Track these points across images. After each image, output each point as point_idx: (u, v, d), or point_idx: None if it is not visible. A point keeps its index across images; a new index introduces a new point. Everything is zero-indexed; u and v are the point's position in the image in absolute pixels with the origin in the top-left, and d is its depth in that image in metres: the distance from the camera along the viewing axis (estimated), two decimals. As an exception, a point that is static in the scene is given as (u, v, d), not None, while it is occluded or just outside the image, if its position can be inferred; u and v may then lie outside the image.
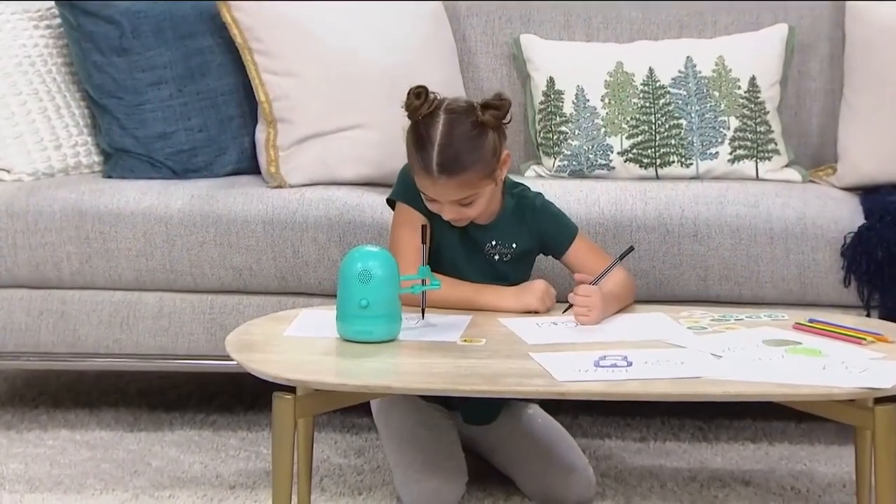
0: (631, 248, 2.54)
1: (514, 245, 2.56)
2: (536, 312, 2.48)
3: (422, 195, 2.48)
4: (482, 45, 3.38)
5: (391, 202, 2.60)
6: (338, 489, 2.64)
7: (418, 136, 2.42)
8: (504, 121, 2.45)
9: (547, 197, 2.65)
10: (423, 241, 2.39)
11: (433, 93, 2.43)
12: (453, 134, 2.39)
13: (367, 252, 2.30)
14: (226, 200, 2.93)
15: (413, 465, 2.48)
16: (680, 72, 3.19)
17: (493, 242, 2.56)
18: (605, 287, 2.46)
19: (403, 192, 2.56)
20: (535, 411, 2.67)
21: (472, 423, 2.64)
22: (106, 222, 2.91)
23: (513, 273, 2.58)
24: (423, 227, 2.42)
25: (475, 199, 2.45)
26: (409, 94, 2.42)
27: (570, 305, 2.43)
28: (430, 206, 2.48)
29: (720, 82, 3.18)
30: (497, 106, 2.43)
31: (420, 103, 2.41)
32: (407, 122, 2.44)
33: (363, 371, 2.18)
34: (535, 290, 2.50)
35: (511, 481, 2.62)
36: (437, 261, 2.53)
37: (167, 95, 3.15)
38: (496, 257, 2.56)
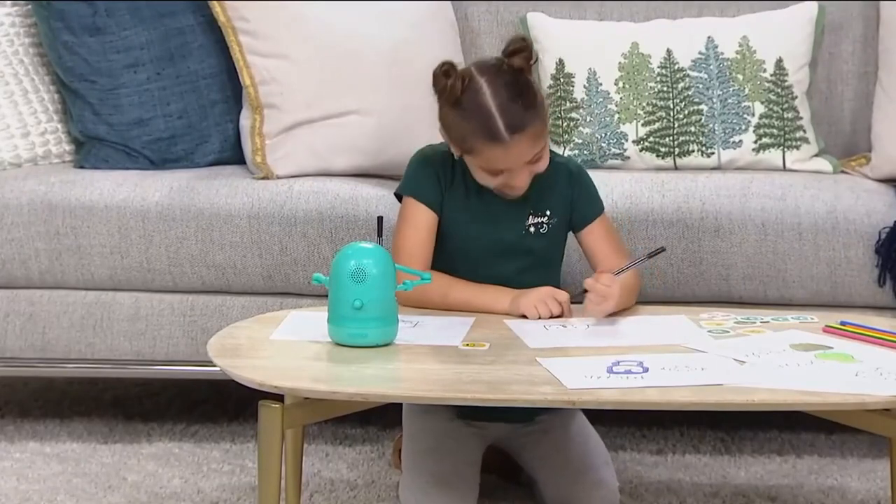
0: (662, 249, 2.55)
1: (547, 212, 2.58)
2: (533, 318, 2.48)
3: (482, 174, 2.49)
4: (486, 24, 3.39)
5: (399, 196, 2.62)
6: (329, 506, 2.66)
7: (471, 111, 2.44)
8: (532, 61, 2.49)
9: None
10: (379, 234, 2.39)
11: (457, 64, 2.47)
12: (504, 91, 2.44)
13: (361, 249, 2.29)
14: (207, 193, 2.93)
15: (425, 475, 2.49)
16: (700, 53, 3.20)
17: (528, 212, 2.57)
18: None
19: (410, 184, 2.58)
20: (579, 417, 2.68)
21: (516, 422, 2.65)
22: (78, 216, 2.92)
23: (548, 250, 2.60)
24: (379, 218, 2.40)
25: (543, 150, 2.49)
26: (436, 75, 2.46)
27: (585, 290, 2.45)
28: (494, 182, 2.50)
29: (744, 65, 3.19)
30: (521, 48, 2.48)
31: (453, 81, 2.44)
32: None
33: (357, 378, 2.18)
34: (533, 295, 2.49)
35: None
36: (460, 248, 2.55)
37: (144, 79, 3.15)
38: (531, 230, 2.58)
